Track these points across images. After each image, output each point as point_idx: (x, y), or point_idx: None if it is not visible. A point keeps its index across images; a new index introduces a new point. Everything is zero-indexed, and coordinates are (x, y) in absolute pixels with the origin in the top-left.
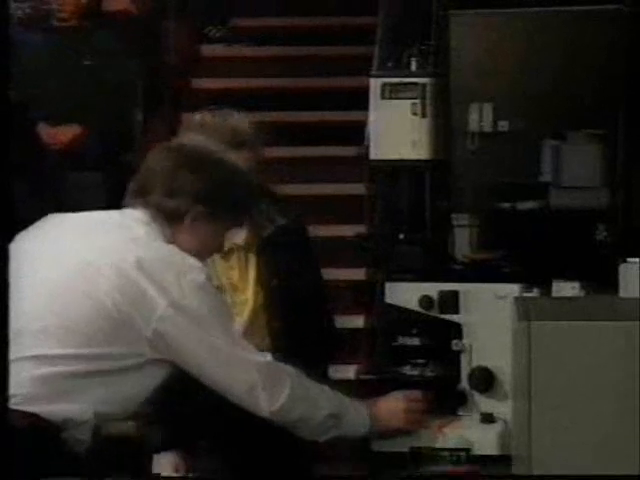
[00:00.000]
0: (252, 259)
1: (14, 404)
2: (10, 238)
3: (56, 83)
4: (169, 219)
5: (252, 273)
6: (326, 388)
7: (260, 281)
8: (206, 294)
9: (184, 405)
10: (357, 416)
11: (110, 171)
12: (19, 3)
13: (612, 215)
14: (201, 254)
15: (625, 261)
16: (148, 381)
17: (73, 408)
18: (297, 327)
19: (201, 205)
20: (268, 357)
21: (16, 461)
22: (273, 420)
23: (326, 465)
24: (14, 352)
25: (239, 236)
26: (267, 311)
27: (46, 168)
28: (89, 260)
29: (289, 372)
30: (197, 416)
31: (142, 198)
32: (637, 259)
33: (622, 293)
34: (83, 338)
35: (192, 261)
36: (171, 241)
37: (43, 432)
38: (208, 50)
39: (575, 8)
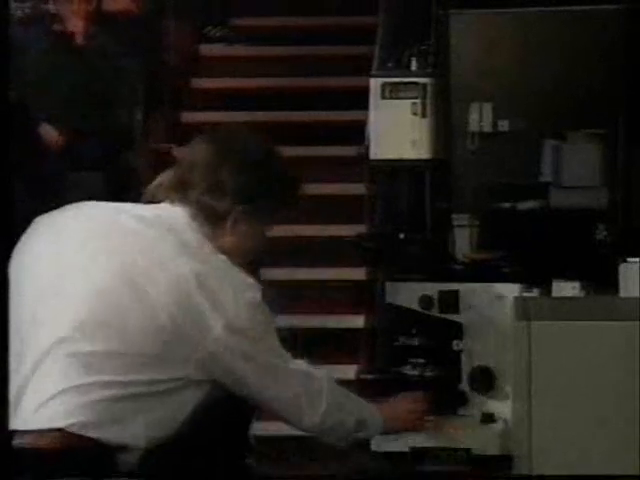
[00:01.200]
0: None
1: (74, 430)
2: (10, 238)
3: (56, 83)
4: (211, 218)
5: None
6: (347, 391)
7: None
8: (260, 313)
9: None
10: (375, 419)
11: (110, 171)
12: (19, 3)
13: (612, 215)
14: (243, 256)
15: (625, 261)
16: (187, 403)
17: (127, 433)
18: None
19: (243, 204)
20: (304, 365)
21: None
22: (311, 431)
23: (327, 465)
24: (71, 377)
25: None
26: None
27: (46, 168)
28: (141, 272)
29: (322, 378)
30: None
31: (181, 193)
32: (637, 259)
33: (622, 293)
34: (137, 361)
35: (246, 277)
36: (213, 243)
37: (103, 457)
38: (207, 50)
39: (575, 8)
